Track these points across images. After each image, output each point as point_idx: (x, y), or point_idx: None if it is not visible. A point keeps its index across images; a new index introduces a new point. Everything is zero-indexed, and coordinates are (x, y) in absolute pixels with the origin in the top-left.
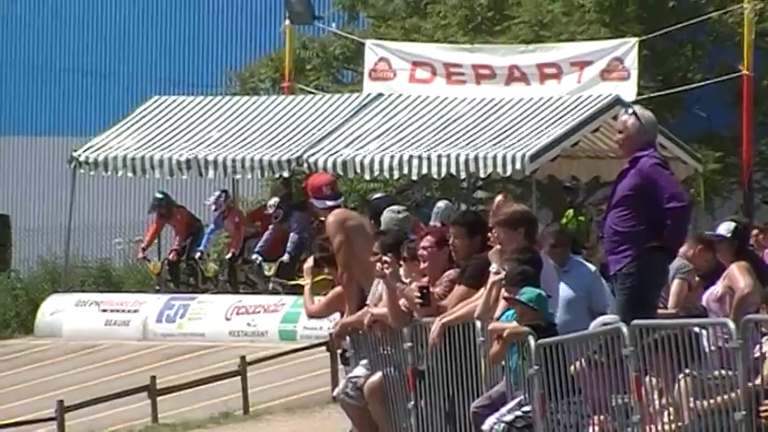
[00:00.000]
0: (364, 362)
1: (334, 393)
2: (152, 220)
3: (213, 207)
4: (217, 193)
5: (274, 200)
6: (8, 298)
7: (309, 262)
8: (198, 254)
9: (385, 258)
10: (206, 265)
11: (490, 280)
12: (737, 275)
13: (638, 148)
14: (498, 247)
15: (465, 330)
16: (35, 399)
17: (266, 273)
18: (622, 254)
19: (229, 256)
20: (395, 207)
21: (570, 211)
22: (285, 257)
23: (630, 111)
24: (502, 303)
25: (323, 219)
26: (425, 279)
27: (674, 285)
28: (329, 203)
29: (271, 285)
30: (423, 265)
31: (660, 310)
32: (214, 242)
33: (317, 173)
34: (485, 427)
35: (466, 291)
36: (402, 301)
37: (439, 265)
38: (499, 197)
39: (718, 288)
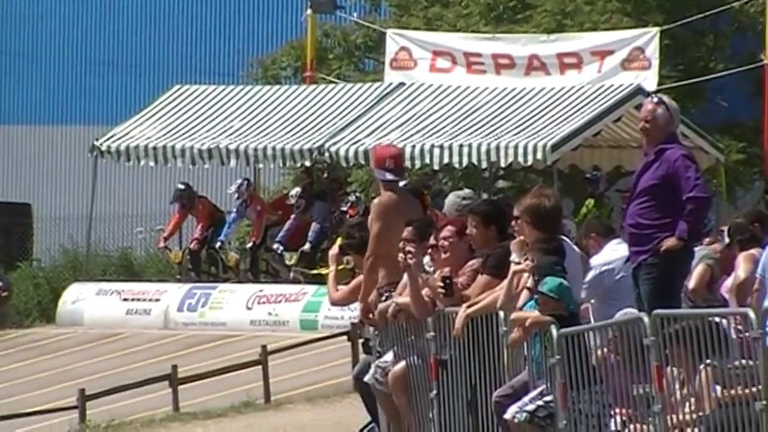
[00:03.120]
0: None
1: (366, 379)
2: (174, 210)
3: (236, 195)
4: (239, 181)
5: (296, 189)
6: (30, 287)
7: (334, 249)
8: (219, 243)
9: (408, 248)
10: (227, 255)
11: (511, 270)
12: (738, 264)
13: (663, 138)
14: (520, 237)
15: (488, 320)
16: (56, 387)
17: (287, 262)
18: (646, 245)
19: (250, 245)
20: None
21: (591, 201)
22: (306, 247)
23: (657, 99)
24: (524, 293)
25: (344, 210)
26: (448, 269)
27: (699, 267)
28: (388, 177)
29: (292, 274)
30: (444, 256)
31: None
32: (236, 231)
33: (384, 144)
34: (506, 416)
35: (489, 280)
36: (425, 291)
37: (460, 255)
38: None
39: (730, 278)
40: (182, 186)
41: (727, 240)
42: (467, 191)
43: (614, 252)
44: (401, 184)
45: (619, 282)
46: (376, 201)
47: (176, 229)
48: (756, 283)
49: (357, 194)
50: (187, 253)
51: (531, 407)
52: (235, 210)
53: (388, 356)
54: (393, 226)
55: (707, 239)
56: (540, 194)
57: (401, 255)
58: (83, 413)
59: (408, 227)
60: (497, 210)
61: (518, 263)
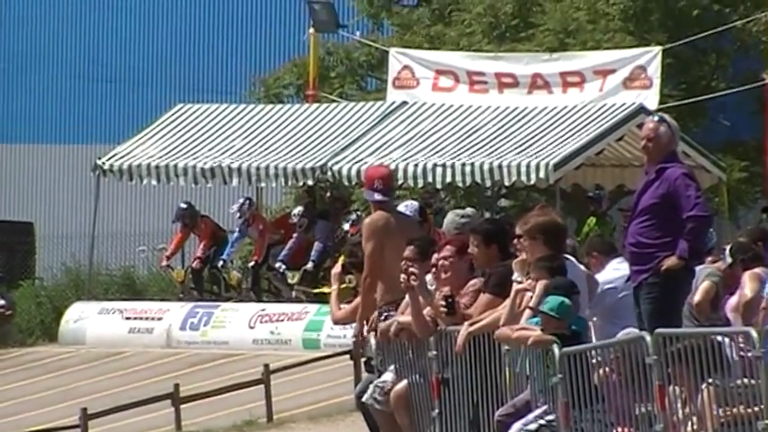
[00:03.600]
0: (392, 367)
1: (364, 399)
2: (177, 229)
3: (237, 214)
4: (241, 200)
5: (299, 209)
6: (32, 305)
7: (337, 268)
8: (221, 262)
9: (412, 270)
10: (229, 273)
11: (514, 289)
12: (745, 282)
13: (664, 156)
14: (522, 256)
15: (490, 339)
16: (59, 406)
17: (290, 281)
18: (647, 264)
19: (252, 264)
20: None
21: (593, 219)
22: (309, 266)
23: (659, 118)
24: (527, 312)
25: (346, 229)
26: (448, 288)
27: (704, 284)
28: (377, 197)
29: (294, 293)
30: (444, 275)
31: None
32: (238, 250)
33: (374, 165)
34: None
35: (491, 299)
36: (427, 311)
37: (461, 275)
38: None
39: (735, 297)
40: (184, 206)
41: (729, 259)
42: (468, 209)
43: (617, 271)
44: (404, 204)
45: (621, 300)
46: (366, 221)
47: (179, 247)
48: (763, 302)
49: (359, 213)
50: (189, 272)
51: (533, 426)
52: (237, 229)
53: (387, 376)
54: (387, 244)
55: (709, 258)
56: (547, 212)
57: (403, 275)
58: None
59: (410, 246)
60: (499, 229)
61: (520, 282)
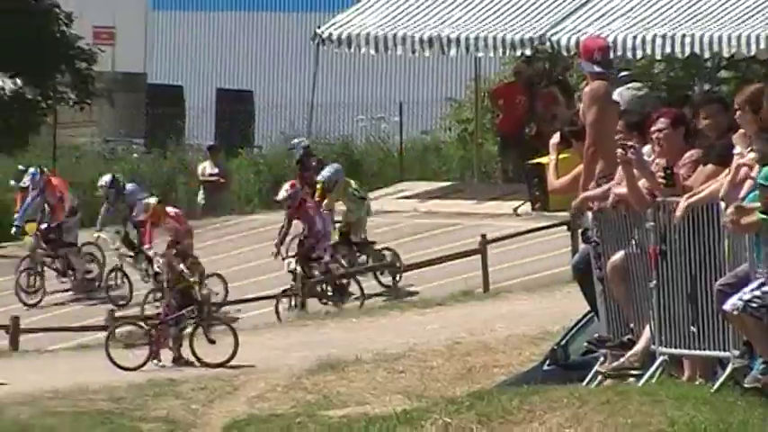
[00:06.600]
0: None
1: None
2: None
3: (30, 186)
4: (31, 170)
5: (105, 178)
6: (251, 174)
7: (555, 138)
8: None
9: (631, 144)
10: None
11: (735, 162)
12: None
13: None
14: (742, 130)
15: (709, 211)
16: (276, 274)
17: (111, 246)
18: None
19: (45, 226)
20: (635, 84)
21: None
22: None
23: None
24: (748, 182)
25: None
26: (664, 160)
27: None
28: (596, 69)
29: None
30: (658, 148)
31: None
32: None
33: (592, 36)
34: (726, 307)
35: (713, 170)
36: (642, 182)
37: (676, 146)
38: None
39: None
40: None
41: None
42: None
43: None
44: (621, 75)
45: None
46: (586, 89)
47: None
48: None
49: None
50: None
51: (747, 296)
52: (30, 197)
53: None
54: (607, 114)
55: None
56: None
57: (619, 150)
58: (303, 300)
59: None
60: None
61: (741, 155)
